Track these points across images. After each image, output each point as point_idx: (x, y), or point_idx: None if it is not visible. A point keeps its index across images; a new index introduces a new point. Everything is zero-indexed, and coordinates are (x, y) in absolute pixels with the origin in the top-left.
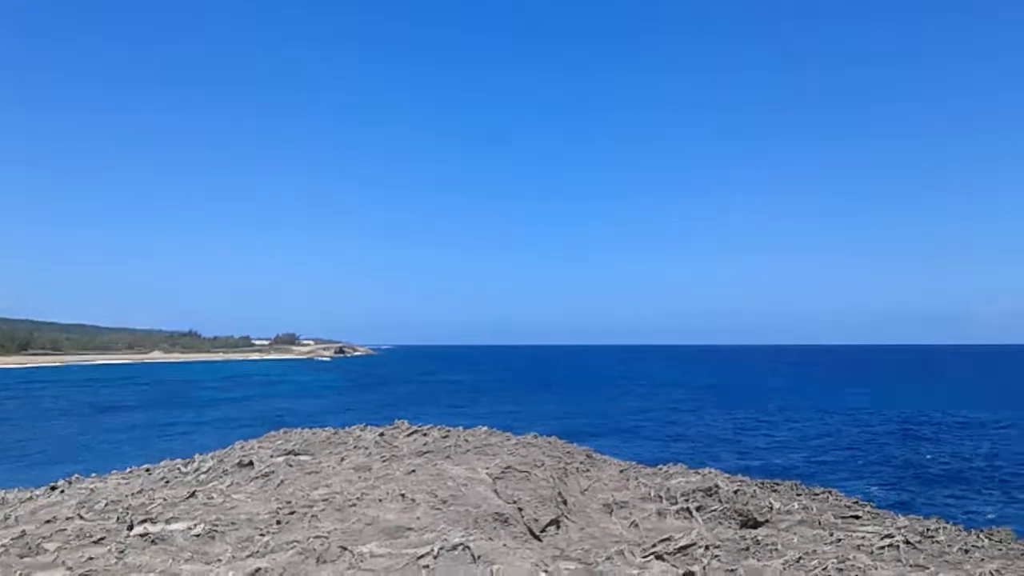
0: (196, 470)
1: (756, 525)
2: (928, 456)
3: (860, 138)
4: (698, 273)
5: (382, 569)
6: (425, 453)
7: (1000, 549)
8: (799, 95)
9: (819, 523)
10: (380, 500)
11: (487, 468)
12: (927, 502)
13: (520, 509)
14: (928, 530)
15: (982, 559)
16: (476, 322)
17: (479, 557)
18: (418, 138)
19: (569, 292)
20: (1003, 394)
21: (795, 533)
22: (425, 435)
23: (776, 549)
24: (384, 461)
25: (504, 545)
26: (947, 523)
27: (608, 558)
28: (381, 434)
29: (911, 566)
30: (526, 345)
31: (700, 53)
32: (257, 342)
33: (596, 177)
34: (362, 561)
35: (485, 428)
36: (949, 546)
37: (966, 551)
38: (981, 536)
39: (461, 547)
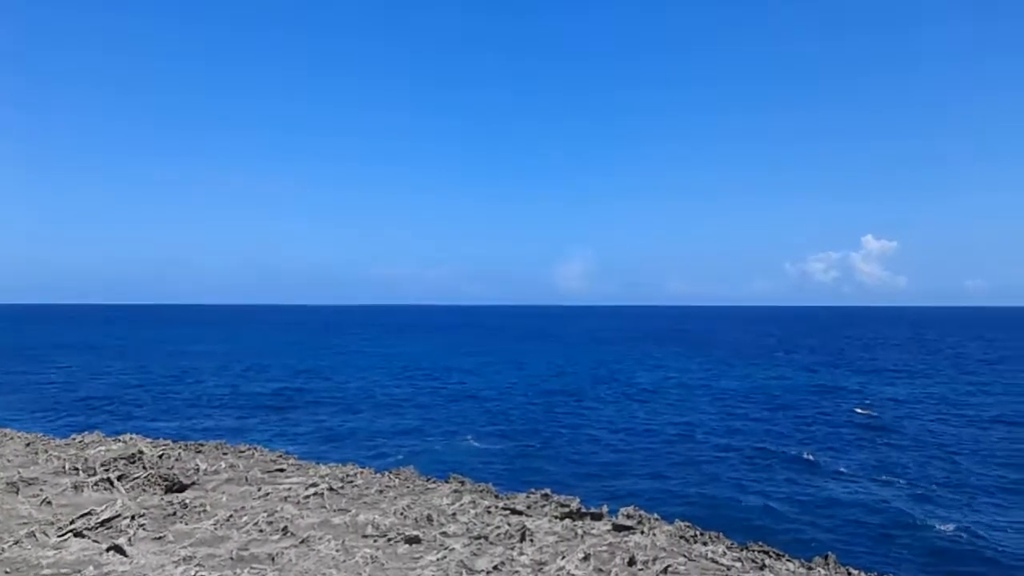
0: None
1: (183, 488)
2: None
3: None
4: None
5: None
6: None
7: (408, 487)
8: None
9: (247, 480)
10: None
11: None
12: (342, 450)
13: None
14: (348, 476)
15: (395, 497)
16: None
17: None
18: None
19: None
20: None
21: (223, 492)
22: None
23: (205, 510)
24: None
25: None
26: (363, 468)
27: (16, 542)
28: None
29: (335, 510)
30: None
31: None
32: None
33: None
34: None
35: None
36: (367, 488)
37: (381, 491)
38: (391, 476)
39: None
